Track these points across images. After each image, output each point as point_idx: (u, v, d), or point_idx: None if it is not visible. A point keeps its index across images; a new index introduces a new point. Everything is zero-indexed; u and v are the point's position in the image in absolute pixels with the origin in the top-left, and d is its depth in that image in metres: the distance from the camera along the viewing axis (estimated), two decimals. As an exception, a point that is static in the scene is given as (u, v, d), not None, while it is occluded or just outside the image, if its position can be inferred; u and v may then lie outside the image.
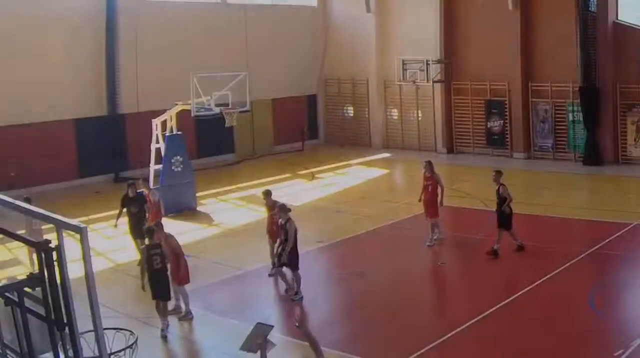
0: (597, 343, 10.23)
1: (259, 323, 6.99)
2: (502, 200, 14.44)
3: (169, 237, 11.73)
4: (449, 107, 27.38)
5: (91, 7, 23.27)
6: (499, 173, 14.72)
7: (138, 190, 14.87)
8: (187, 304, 11.82)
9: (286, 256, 12.31)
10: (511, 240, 14.60)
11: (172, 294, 11.62)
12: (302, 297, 11.23)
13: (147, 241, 11.50)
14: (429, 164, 15.53)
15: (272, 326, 6.78)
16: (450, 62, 26.77)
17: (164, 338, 11.04)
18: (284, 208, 12.50)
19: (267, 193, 14.20)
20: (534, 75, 25.27)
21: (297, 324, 6.71)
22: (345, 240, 16.20)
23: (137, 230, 14.27)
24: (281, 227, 12.41)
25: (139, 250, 14.35)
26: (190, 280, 11.94)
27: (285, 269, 12.72)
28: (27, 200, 13.53)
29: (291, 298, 11.43)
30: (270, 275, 13.53)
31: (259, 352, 6.64)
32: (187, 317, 11.74)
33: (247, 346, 6.79)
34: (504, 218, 14.45)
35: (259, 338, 6.62)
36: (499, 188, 14.56)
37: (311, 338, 6.64)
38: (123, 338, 8.28)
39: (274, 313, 12.06)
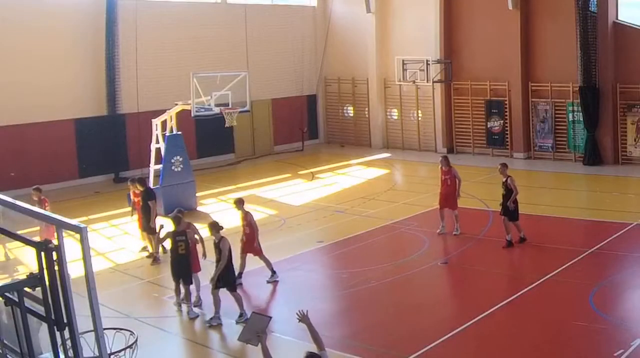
0: (597, 343, 10.23)
1: (254, 312, 6.95)
2: (509, 191, 14.85)
3: (191, 225, 12.64)
4: (449, 107, 27.38)
5: (91, 7, 23.26)
6: (504, 165, 15.34)
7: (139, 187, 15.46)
8: (198, 290, 12.41)
9: (222, 278, 11.57)
10: (515, 232, 15.08)
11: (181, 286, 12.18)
12: (247, 318, 10.82)
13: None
14: (446, 159, 16.36)
15: (270, 317, 6.75)
16: (450, 62, 26.77)
17: (179, 308, 11.95)
18: (215, 226, 11.65)
19: (239, 202, 13.58)
20: (534, 75, 25.27)
21: (298, 318, 6.70)
22: (345, 240, 16.20)
23: (142, 222, 15.26)
24: (215, 246, 11.63)
25: (143, 236, 15.42)
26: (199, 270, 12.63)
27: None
28: (38, 189, 14.04)
29: (236, 321, 11.30)
30: (268, 281, 13.49)
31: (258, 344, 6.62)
32: (198, 302, 12.29)
33: (246, 337, 6.76)
34: (511, 211, 14.92)
35: (258, 330, 6.59)
36: (506, 180, 15.01)
37: (314, 331, 6.65)
38: (123, 338, 8.28)
39: (274, 313, 12.04)
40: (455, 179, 16.12)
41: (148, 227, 14.94)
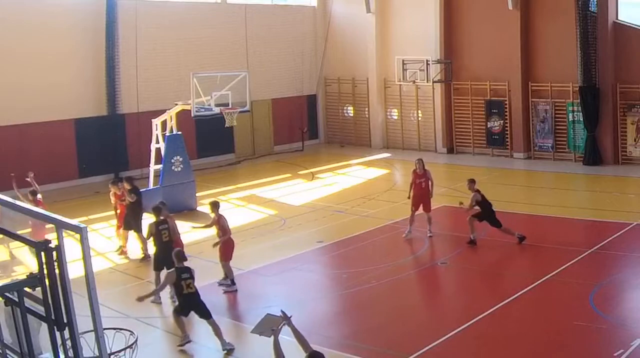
0: (597, 343, 10.23)
1: (268, 314, 7.03)
2: (483, 202, 15.08)
3: (172, 218, 12.94)
4: (449, 107, 27.38)
5: (91, 7, 23.27)
6: (471, 181, 15.49)
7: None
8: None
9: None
10: (471, 234, 15.15)
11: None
12: (189, 341, 10.46)
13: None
14: (422, 162, 16.36)
15: (283, 317, 6.80)
16: (450, 62, 26.77)
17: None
18: (178, 256, 10.93)
19: (214, 205, 13.28)
20: (534, 75, 25.27)
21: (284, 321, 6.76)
22: (345, 240, 16.20)
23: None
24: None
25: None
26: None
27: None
28: (33, 193, 14.07)
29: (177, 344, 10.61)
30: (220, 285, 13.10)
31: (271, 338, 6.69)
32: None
33: (260, 330, 6.84)
34: (492, 219, 15.14)
35: (273, 325, 6.68)
36: (474, 195, 15.15)
37: (298, 334, 6.70)
38: (123, 338, 8.29)
39: (274, 313, 12.05)
40: (429, 181, 16.20)
41: (137, 226, 14.96)
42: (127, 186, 15.36)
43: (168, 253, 12.03)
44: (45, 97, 21.97)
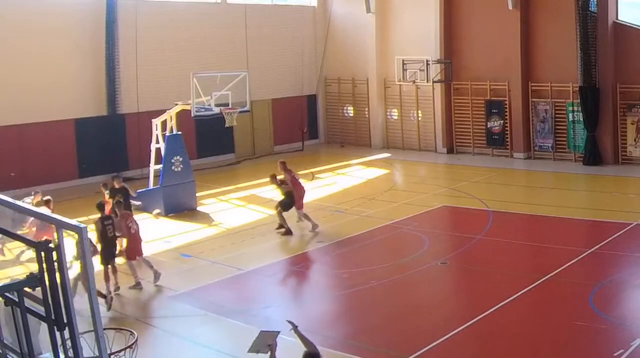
0: (597, 343, 10.23)
1: (262, 331, 7.02)
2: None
3: (122, 217, 13.34)
4: (449, 107, 27.38)
5: (91, 7, 23.26)
6: (273, 176, 16.85)
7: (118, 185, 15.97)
8: (136, 276, 13.08)
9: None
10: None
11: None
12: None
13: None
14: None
15: (279, 331, 6.80)
16: (450, 62, 26.77)
17: (111, 298, 12.15)
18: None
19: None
20: (534, 75, 25.26)
21: (291, 328, 6.77)
22: (345, 240, 16.19)
23: None
24: None
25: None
26: (139, 255, 13.29)
27: None
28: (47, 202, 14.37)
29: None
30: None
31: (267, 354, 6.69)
32: (137, 287, 13.03)
33: (256, 348, 6.83)
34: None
35: (269, 341, 6.67)
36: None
37: (304, 338, 6.71)
38: (123, 339, 8.29)
39: (275, 313, 12.05)
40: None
41: None
42: (117, 185, 15.69)
43: (113, 249, 12.86)
44: (45, 97, 21.96)
